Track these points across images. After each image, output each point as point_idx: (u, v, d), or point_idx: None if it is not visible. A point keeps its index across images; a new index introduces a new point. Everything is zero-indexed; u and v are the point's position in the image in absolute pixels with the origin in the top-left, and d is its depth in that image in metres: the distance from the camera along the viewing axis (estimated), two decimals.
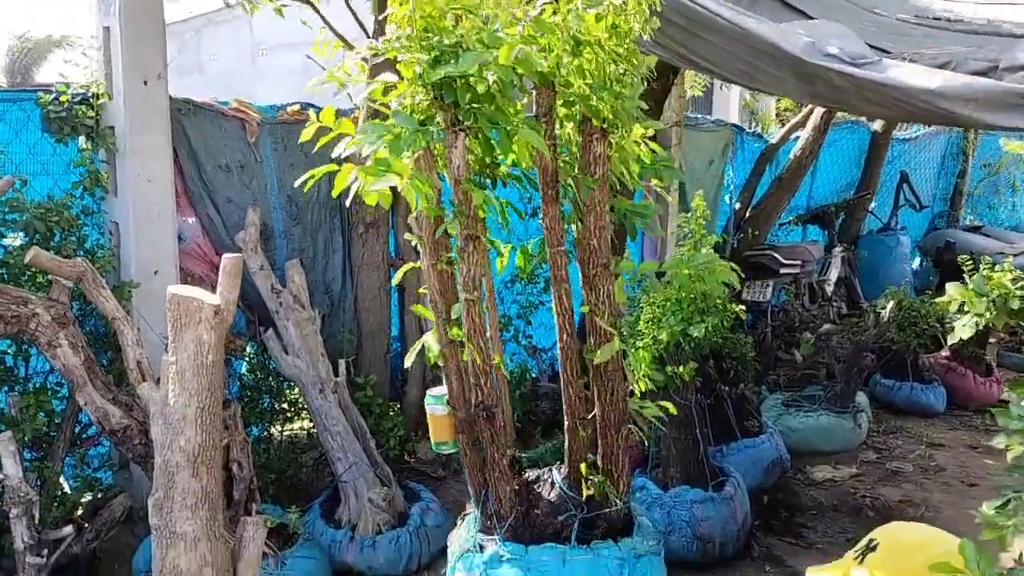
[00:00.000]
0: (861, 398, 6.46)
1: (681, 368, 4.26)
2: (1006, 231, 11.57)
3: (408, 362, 3.40)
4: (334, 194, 2.83)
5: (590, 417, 3.04)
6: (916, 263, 11.14)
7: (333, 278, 5.17)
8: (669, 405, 3.30)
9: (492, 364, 3.08)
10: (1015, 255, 9.15)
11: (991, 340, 7.86)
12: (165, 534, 2.96)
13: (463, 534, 3.36)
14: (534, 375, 6.37)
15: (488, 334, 3.00)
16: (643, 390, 3.72)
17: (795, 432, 6.06)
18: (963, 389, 7.20)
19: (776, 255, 7.90)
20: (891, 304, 6.40)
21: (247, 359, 4.94)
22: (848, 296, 9.34)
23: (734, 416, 5.41)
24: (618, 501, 3.03)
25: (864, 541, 2.05)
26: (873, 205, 10.24)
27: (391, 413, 5.15)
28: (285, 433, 5.13)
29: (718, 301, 4.26)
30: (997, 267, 7.23)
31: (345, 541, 4.35)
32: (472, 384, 3.07)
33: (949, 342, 7.29)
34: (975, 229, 11.43)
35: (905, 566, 1.85)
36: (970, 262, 7.43)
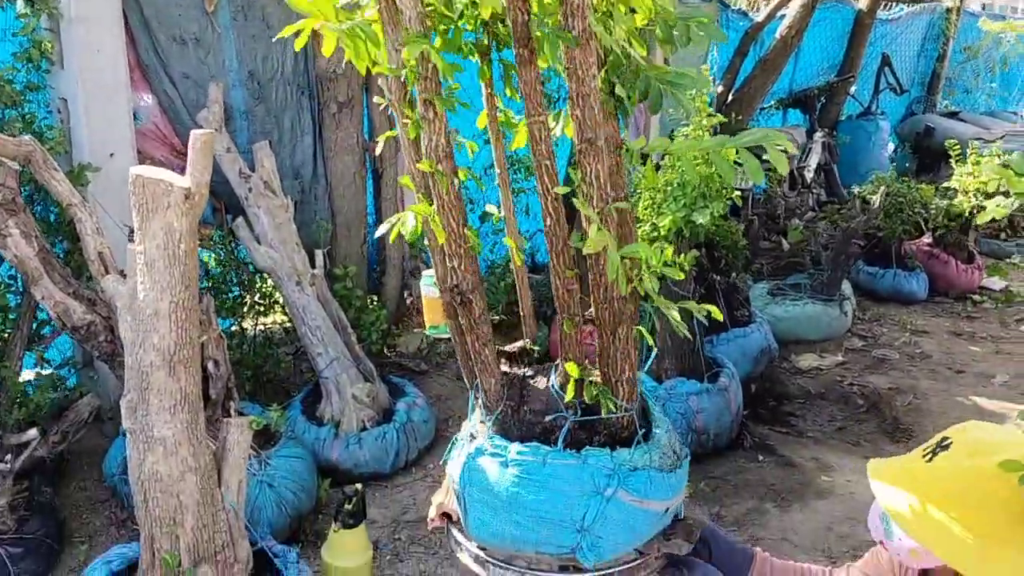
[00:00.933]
0: (845, 286, 6.36)
1: (681, 257, 4.04)
2: (980, 116, 11.41)
3: (380, 231, 3.10)
4: (297, 46, 2.45)
5: (584, 314, 2.79)
6: (891, 149, 10.98)
7: (302, 163, 4.81)
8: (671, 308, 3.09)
9: (465, 246, 2.83)
10: (993, 140, 9.00)
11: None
12: (142, 438, 2.72)
13: (469, 421, 3.18)
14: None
15: (457, 215, 2.75)
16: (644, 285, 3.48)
17: (781, 321, 5.95)
18: (945, 276, 7.14)
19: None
20: (882, 190, 6.22)
21: (214, 250, 4.62)
22: (827, 183, 9.18)
23: (724, 306, 5.26)
24: (614, 408, 2.77)
25: (936, 439, 1.86)
26: (854, 89, 9.97)
27: (371, 306, 4.91)
28: (259, 327, 4.87)
29: (719, 186, 4.02)
30: (985, 153, 7.12)
31: (329, 439, 4.17)
32: (448, 267, 2.84)
33: (973, 225, 7.21)
34: (952, 115, 11.26)
35: (981, 465, 1.66)
36: (956, 147, 7.30)
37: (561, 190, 2.47)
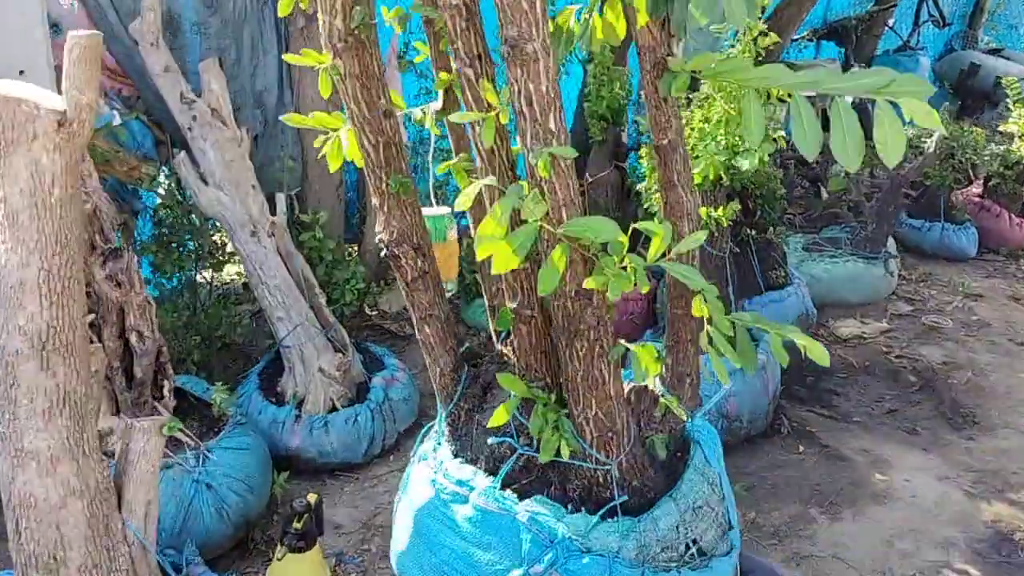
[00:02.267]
0: (889, 242, 5.61)
1: (719, 210, 3.30)
2: (1021, 53, 10.48)
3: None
4: None
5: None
6: None
7: (265, 88, 4.03)
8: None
9: (386, 183, 2.16)
10: None
11: None
12: (9, 451, 2.02)
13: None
14: None
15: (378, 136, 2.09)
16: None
17: (819, 281, 5.22)
18: (996, 231, 6.39)
19: None
20: (937, 132, 5.41)
21: (159, 190, 3.87)
22: (862, 123, 8.33)
23: (758, 265, 4.53)
24: (578, 453, 2.13)
25: None
26: (893, 20, 9.05)
27: (347, 259, 4.17)
28: (216, 283, 4.15)
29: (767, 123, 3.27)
30: None
31: (289, 421, 3.48)
32: (383, 213, 2.19)
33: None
34: (995, 52, 10.32)
35: None
36: (1016, 85, 6.47)
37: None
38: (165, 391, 3.17)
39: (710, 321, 1.84)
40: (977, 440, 3.93)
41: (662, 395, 2.16)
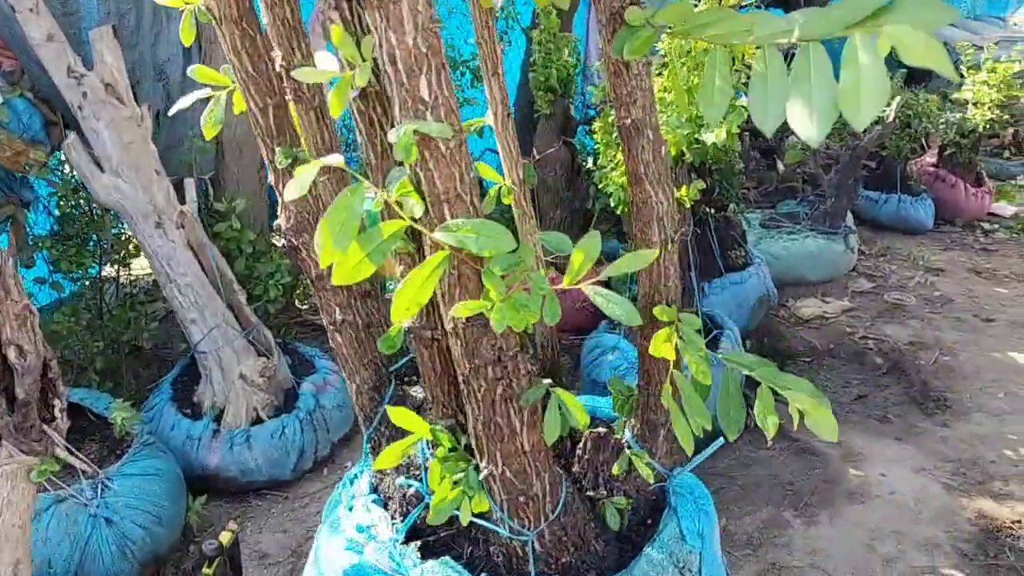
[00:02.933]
0: (848, 216, 5.39)
1: (682, 190, 2.98)
2: (967, 20, 10.40)
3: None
4: None
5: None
6: None
7: (169, 58, 3.57)
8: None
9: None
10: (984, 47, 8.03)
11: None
12: None
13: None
14: None
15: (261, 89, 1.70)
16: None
17: (778, 260, 4.97)
18: (952, 202, 6.23)
19: None
20: (896, 100, 5.19)
21: (52, 177, 3.41)
22: None
23: (717, 246, 4.24)
24: (502, 518, 1.74)
25: None
26: None
27: (270, 251, 3.76)
28: (123, 280, 3.71)
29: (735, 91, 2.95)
30: (1002, 59, 6.12)
31: (206, 436, 3.09)
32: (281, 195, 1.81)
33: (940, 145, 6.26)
34: None
35: None
36: (969, 51, 6.29)
37: None
38: (56, 412, 2.75)
39: (676, 364, 1.50)
40: (951, 426, 3.72)
41: (628, 447, 1.80)
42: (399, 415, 1.52)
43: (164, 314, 3.77)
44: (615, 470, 1.70)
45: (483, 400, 1.45)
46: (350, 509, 1.86)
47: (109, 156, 3.07)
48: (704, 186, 3.03)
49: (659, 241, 1.65)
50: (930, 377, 4.12)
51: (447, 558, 1.64)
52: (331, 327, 1.85)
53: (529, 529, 1.59)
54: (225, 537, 2.27)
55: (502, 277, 1.23)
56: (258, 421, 3.19)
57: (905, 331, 4.56)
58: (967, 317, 4.73)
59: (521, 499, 1.57)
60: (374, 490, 1.92)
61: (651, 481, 1.68)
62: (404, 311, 1.18)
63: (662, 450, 1.81)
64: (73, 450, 2.72)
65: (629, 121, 1.61)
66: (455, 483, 1.54)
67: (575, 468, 1.79)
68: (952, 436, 3.64)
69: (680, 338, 1.51)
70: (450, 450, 1.61)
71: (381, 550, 1.70)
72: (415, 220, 1.23)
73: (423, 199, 1.25)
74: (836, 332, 4.58)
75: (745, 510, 3.14)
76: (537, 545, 1.61)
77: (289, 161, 1.54)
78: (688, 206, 3.07)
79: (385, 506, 1.82)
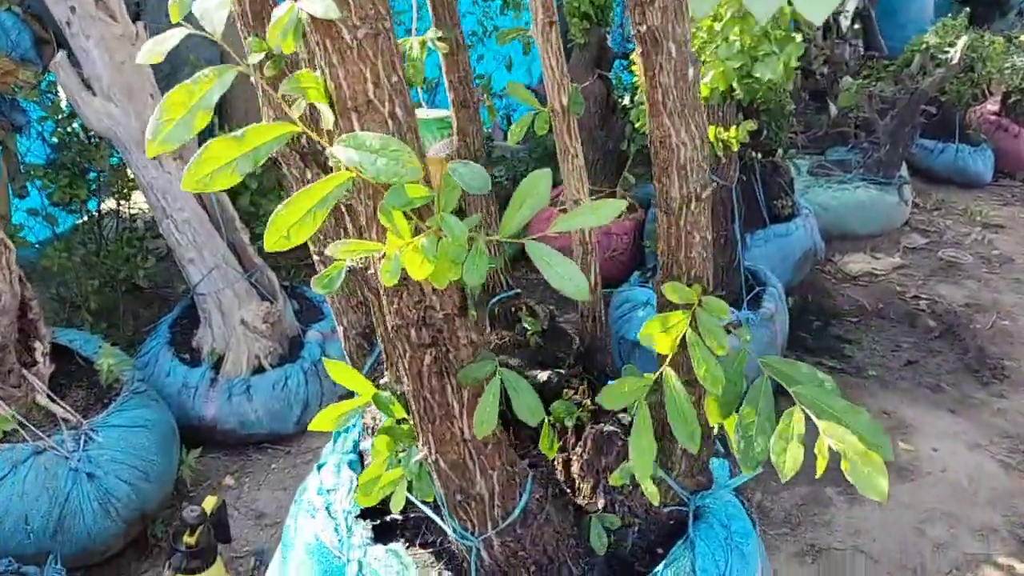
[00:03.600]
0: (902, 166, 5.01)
1: (731, 131, 2.67)
2: None
3: None
4: None
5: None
6: None
7: None
8: None
9: None
10: None
11: None
12: None
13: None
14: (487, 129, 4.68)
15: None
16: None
17: (826, 211, 4.63)
18: (1014, 153, 5.81)
19: None
20: (963, 40, 4.76)
21: (44, 100, 3.16)
22: (864, 33, 7.62)
23: (762, 194, 3.92)
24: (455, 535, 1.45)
25: None
26: None
27: (279, 188, 3.49)
28: (124, 214, 3.48)
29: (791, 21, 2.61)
30: None
31: (204, 385, 2.88)
32: None
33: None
34: None
35: None
36: None
37: None
38: (37, 355, 2.55)
39: (673, 360, 1.24)
40: (1008, 397, 3.42)
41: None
42: (337, 370, 1.28)
43: (166, 252, 3.54)
44: (614, 480, 1.41)
45: (410, 369, 1.19)
46: (319, 469, 1.64)
47: (100, 77, 2.81)
48: (754, 127, 2.71)
49: (680, 197, 1.31)
50: (987, 343, 3.81)
51: (397, 546, 1.41)
52: (318, 259, 1.60)
53: (473, 534, 1.34)
54: (209, 503, 2.06)
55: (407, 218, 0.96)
56: (260, 370, 2.97)
57: (960, 292, 4.23)
58: None
59: (458, 497, 1.31)
60: (356, 449, 1.70)
61: (655, 501, 1.35)
62: (278, 240, 0.91)
63: (681, 466, 1.49)
64: (55, 397, 2.52)
65: (644, 28, 1.24)
66: (399, 462, 1.30)
67: (574, 469, 1.52)
68: (1010, 409, 3.34)
69: (694, 329, 1.21)
70: (399, 421, 1.36)
71: (329, 522, 1.48)
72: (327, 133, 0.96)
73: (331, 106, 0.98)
74: (886, 291, 4.26)
75: (783, 484, 2.88)
76: (485, 555, 1.36)
77: (262, 55, 1.25)
78: (735, 149, 2.75)
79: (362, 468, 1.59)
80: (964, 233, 4.86)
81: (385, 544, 1.45)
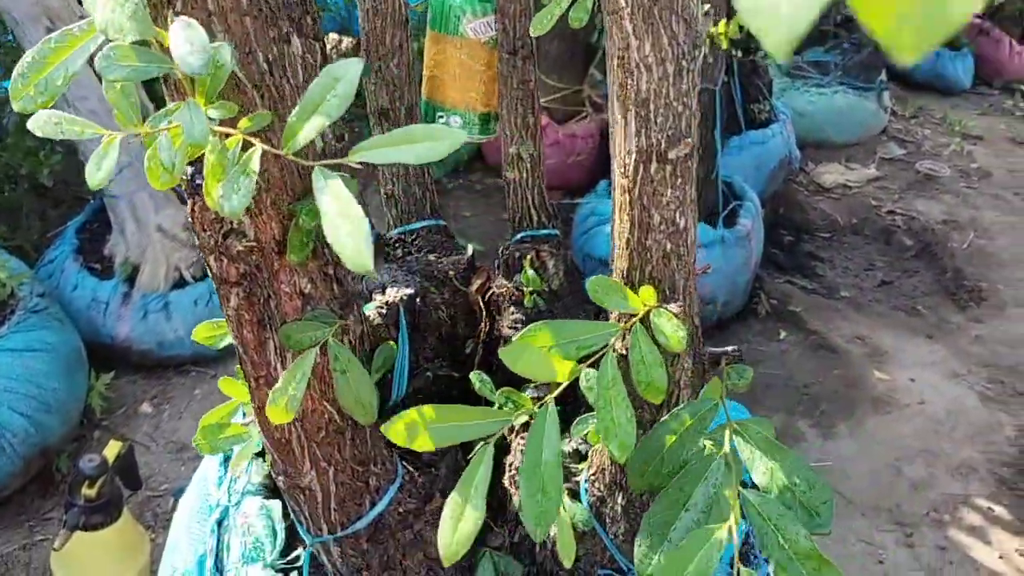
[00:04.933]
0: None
1: (720, 26, 2.34)
2: None
3: None
4: None
5: None
6: None
7: None
8: None
9: None
10: None
11: None
12: None
13: None
14: None
15: None
16: None
17: (802, 116, 4.34)
18: (994, 60, 5.53)
19: None
20: None
21: None
22: None
23: (740, 96, 3.61)
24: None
25: None
26: None
27: None
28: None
29: None
30: None
31: (116, 301, 2.55)
32: None
33: None
34: None
35: None
36: None
37: None
38: None
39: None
40: (987, 323, 3.26)
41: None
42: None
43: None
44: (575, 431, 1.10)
45: (222, 308, 0.90)
46: None
47: None
48: (745, 24, 2.38)
49: (635, 151, 0.89)
50: (964, 263, 3.62)
51: (272, 504, 1.17)
52: None
53: (309, 532, 1.08)
54: (112, 448, 1.77)
55: None
56: (181, 284, 2.65)
57: (938, 207, 4.03)
58: (1006, 195, 4.19)
59: (284, 481, 1.04)
60: None
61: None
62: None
63: (621, 523, 1.11)
64: None
65: None
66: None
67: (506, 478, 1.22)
68: (988, 335, 3.18)
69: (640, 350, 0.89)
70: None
71: (211, 464, 1.26)
72: None
73: None
74: (860, 205, 4.03)
75: (753, 415, 2.69)
76: (324, 558, 1.11)
77: None
78: (725, 47, 2.43)
79: None
80: (942, 144, 4.62)
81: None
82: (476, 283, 1.42)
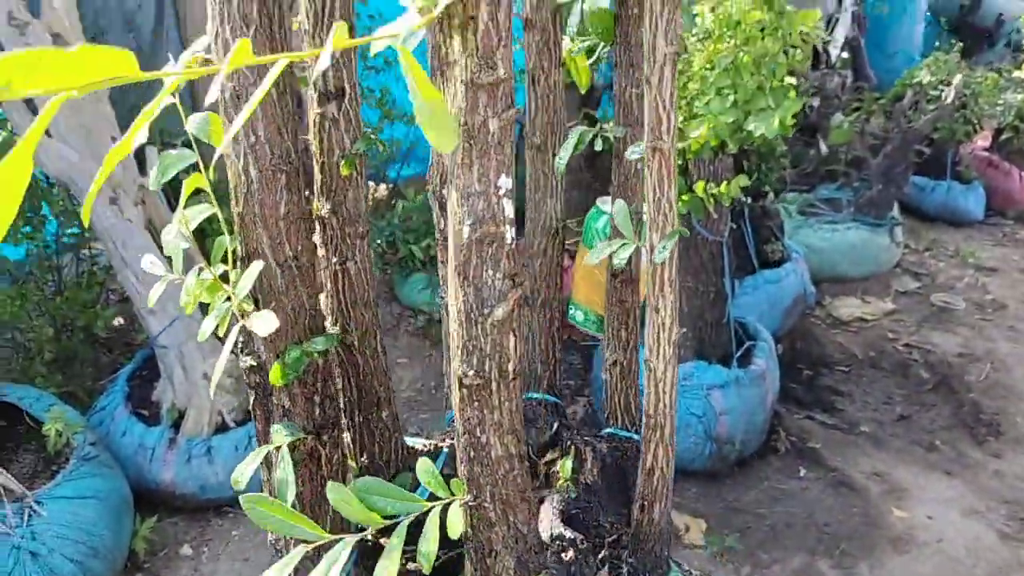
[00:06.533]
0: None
1: (722, 186, 2.54)
2: None
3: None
4: None
5: None
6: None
7: (139, 5, 3.12)
8: None
9: None
10: None
11: None
12: None
13: None
14: None
15: None
16: None
17: (816, 252, 4.51)
18: (1005, 191, 5.72)
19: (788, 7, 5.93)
20: (957, 79, 4.67)
21: None
22: (853, 62, 7.55)
23: (752, 238, 3.80)
24: None
25: None
26: None
27: None
28: (84, 253, 3.31)
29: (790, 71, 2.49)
30: None
31: (161, 447, 2.71)
32: None
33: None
34: None
35: None
36: None
37: None
38: None
39: None
40: (1005, 458, 3.30)
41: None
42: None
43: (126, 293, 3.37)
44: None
45: None
46: None
47: (56, 120, 2.64)
48: (747, 183, 2.57)
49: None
50: (981, 396, 3.69)
51: None
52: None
53: None
54: None
55: None
56: (223, 428, 2.81)
57: (953, 340, 4.12)
58: (1022, 327, 4.27)
59: None
60: None
61: None
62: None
63: None
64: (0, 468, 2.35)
65: None
66: None
67: None
68: (1007, 471, 3.22)
69: None
70: None
71: None
72: None
73: None
74: (877, 337, 4.14)
75: (774, 556, 2.74)
76: None
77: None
78: (729, 204, 2.62)
79: None
80: (956, 276, 4.75)
81: None
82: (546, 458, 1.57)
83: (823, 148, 5.03)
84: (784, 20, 2.38)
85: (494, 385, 1.02)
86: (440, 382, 3.52)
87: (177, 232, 1.12)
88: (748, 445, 3.08)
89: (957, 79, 4.62)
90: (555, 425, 1.62)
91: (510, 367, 1.01)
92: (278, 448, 1.25)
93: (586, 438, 1.56)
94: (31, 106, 2.69)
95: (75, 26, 2.70)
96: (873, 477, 3.14)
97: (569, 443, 1.54)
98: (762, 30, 2.43)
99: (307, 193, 1.28)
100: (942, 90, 4.69)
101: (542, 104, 1.53)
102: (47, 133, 2.68)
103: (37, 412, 2.58)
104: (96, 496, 2.36)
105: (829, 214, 4.74)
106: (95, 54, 0.55)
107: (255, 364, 1.32)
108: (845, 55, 7.64)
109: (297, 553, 0.97)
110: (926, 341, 4.10)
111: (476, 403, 1.03)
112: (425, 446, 1.62)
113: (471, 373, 1.01)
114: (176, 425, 2.78)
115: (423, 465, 1.04)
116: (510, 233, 0.94)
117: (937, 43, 9.48)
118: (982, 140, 6.00)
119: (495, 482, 1.09)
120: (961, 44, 8.66)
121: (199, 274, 1.15)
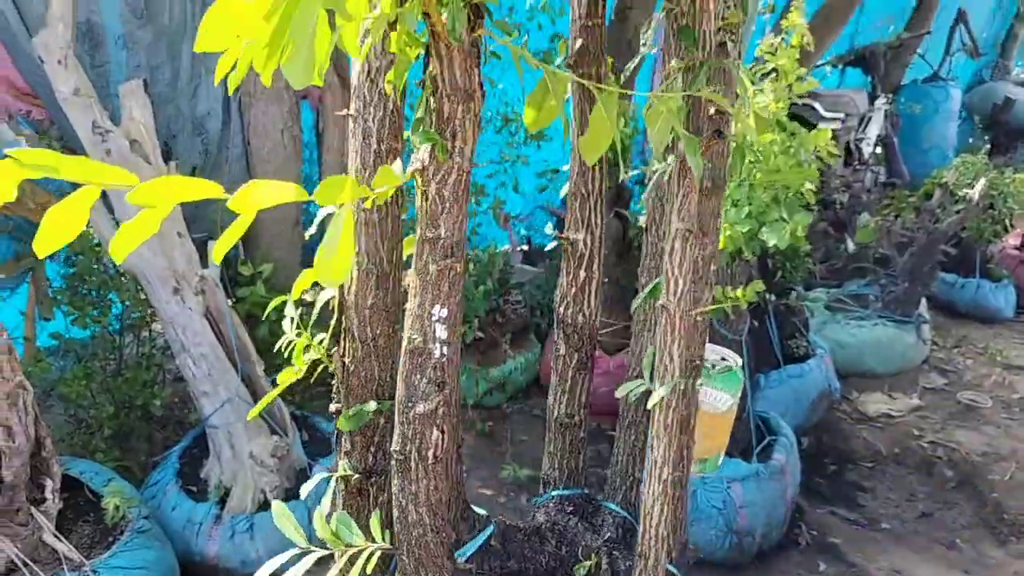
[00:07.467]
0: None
1: (740, 291, 2.70)
2: None
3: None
4: None
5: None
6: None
7: (208, 112, 3.43)
8: None
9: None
10: None
11: None
12: None
13: None
14: (503, 250, 4.72)
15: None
16: None
17: (843, 348, 4.62)
18: None
19: (816, 105, 6.17)
20: (983, 181, 4.82)
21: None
22: (886, 159, 7.73)
23: (776, 334, 3.93)
24: None
25: None
26: (923, 48, 8.45)
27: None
28: (143, 336, 3.55)
29: (804, 188, 2.67)
30: None
31: (208, 522, 2.88)
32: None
33: None
34: None
35: None
36: None
37: None
38: (47, 492, 2.59)
39: None
40: None
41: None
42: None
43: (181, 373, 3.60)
44: None
45: None
46: None
47: (129, 215, 2.92)
48: (762, 288, 2.73)
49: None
50: (1004, 495, 3.72)
51: None
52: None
53: None
54: None
55: None
56: (265, 505, 2.98)
57: (979, 438, 4.17)
58: None
59: None
60: None
61: None
62: None
63: None
64: (60, 536, 2.54)
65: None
66: None
67: None
68: None
69: None
70: None
71: None
72: None
73: None
74: (903, 434, 4.20)
75: None
76: None
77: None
78: (745, 307, 2.78)
79: None
80: (983, 374, 4.81)
81: None
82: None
83: (851, 246, 5.18)
84: (796, 140, 2.57)
85: (413, 464, 1.37)
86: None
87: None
88: (768, 538, 3.16)
89: (981, 181, 4.77)
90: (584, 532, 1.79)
91: (430, 453, 1.35)
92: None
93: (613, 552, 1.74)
94: (106, 200, 2.97)
95: (150, 132, 2.99)
96: (893, 574, 3.19)
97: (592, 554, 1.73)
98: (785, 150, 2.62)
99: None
100: (967, 192, 4.83)
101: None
102: (116, 223, 2.95)
103: (96, 486, 2.78)
104: (146, 567, 2.53)
105: (857, 310, 4.85)
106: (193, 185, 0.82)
107: (337, 411, 1.76)
108: (879, 150, 7.84)
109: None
110: (951, 439, 4.15)
111: (400, 475, 1.39)
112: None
113: (397, 451, 1.38)
114: (222, 501, 2.96)
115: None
116: (439, 349, 1.24)
117: (971, 139, 9.66)
118: (1013, 238, 6.10)
119: (411, 541, 1.44)
120: (993, 143, 8.84)
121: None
